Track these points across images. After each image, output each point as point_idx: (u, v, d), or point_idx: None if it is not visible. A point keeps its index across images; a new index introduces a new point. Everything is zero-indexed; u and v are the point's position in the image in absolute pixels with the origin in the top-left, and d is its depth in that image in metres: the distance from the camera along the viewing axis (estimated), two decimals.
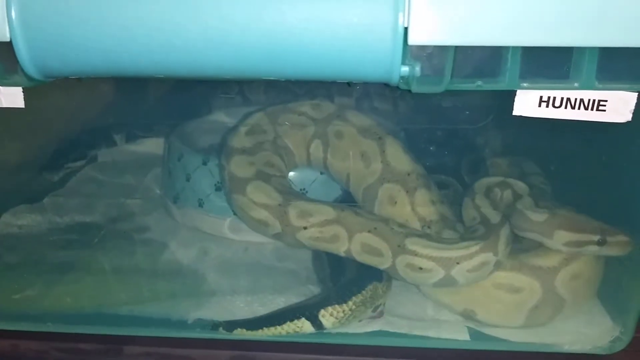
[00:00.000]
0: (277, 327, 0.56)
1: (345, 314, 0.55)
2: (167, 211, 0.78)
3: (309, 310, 0.55)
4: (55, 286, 0.63)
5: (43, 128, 0.75)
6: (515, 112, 0.45)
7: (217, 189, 0.72)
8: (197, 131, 0.81)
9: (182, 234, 0.73)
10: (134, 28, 0.40)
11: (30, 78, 0.44)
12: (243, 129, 0.67)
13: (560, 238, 0.56)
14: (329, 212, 0.59)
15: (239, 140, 0.66)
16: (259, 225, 0.62)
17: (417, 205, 0.60)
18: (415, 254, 0.55)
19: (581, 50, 0.42)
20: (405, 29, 0.39)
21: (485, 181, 0.64)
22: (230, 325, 0.57)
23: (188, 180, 0.74)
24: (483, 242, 0.55)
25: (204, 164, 0.72)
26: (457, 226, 0.61)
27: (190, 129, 0.82)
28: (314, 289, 0.63)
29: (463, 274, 0.55)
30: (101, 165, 0.87)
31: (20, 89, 0.46)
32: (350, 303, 0.55)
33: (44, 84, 0.45)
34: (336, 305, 0.55)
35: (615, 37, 0.40)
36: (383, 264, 0.57)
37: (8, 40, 0.40)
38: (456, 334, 0.57)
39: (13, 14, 0.40)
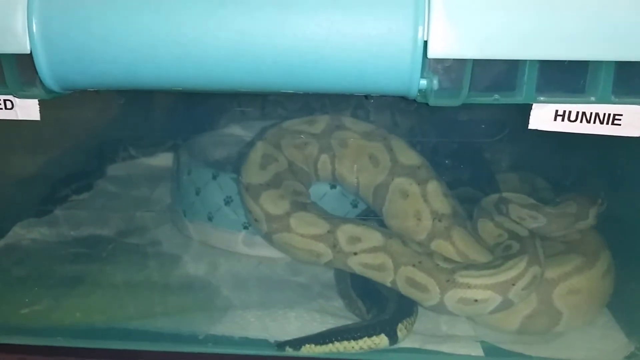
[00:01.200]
0: (352, 341, 0.55)
1: (412, 326, 0.56)
2: (177, 225, 0.77)
3: (388, 325, 0.55)
4: (64, 300, 0.63)
5: (55, 140, 0.75)
6: (531, 126, 0.45)
7: (227, 203, 0.71)
8: (207, 145, 0.82)
9: (192, 248, 0.73)
10: (153, 40, 0.40)
11: (48, 90, 0.44)
12: (255, 164, 0.65)
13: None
14: (377, 238, 0.59)
15: (257, 176, 0.64)
16: (311, 257, 0.61)
17: (430, 197, 0.60)
18: (469, 287, 0.54)
19: (597, 64, 0.42)
20: (425, 42, 0.39)
21: (489, 199, 0.64)
22: (298, 342, 0.56)
23: (198, 194, 0.73)
24: (527, 256, 0.54)
25: (214, 178, 0.72)
26: (467, 223, 0.61)
27: (200, 143, 0.82)
28: (325, 304, 0.62)
29: (518, 294, 0.54)
30: (112, 178, 0.87)
31: (36, 101, 0.46)
32: (415, 315, 0.57)
33: (61, 96, 0.45)
34: (408, 318, 0.56)
35: (632, 52, 0.40)
36: (429, 300, 0.56)
37: (28, 52, 0.41)
38: (469, 350, 0.56)
39: (34, 26, 0.40)
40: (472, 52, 0.40)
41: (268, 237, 0.63)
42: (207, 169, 0.74)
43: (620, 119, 0.45)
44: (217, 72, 0.41)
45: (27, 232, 0.75)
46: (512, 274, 0.54)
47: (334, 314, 0.60)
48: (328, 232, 0.59)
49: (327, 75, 0.40)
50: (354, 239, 0.59)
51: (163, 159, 0.88)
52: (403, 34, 0.38)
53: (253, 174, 0.64)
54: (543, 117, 0.45)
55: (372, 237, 0.59)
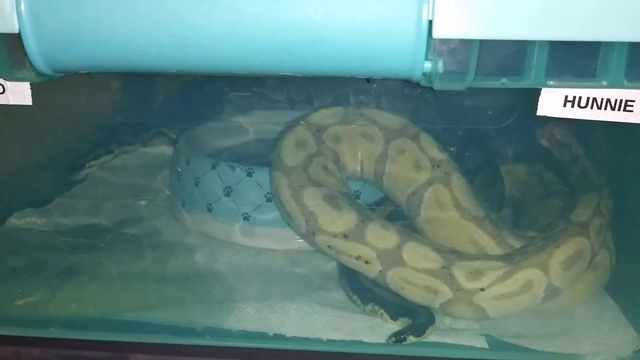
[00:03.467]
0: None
1: None
2: (175, 216, 0.76)
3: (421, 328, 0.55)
4: (59, 291, 0.62)
5: (51, 128, 0.73)
6: (540, 112, 0.44)
7: (226, 194, 0.70)
8: (208, 134, 0.80)
9: (191, 239, 0.72)
10: (146, 20, 0.38)
11: (39, 73, 0.42)
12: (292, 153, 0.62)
13: None
14: (498, 266, 0.55)
15: (293, 158, 0.62)
16: (427, 294, 0.56)
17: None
18: None
19: (610, 46, 0.40)
20: (430, 22, 0.37)
21: None
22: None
23: (197, 184, 0.72)
24: None
25: (213, 167, 0.71)
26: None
27: (199, 132, 0.81)
28: (326, 295, 0.61)
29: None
30: (110, 167, 0.86)
31: (28, 85, 0.45)
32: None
33: (53, 79, 0.44)
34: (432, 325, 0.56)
35: None
36: None
37: (17, 32, 0.39)
38: (474, 342, 0.55)
39: (22, 5, 0.38)
40: (479, 32, 0.38)
41: (382, 280, 0.58)
42: (206, 159, 0.73)
43: (632, 105, 0.43)
44: (212, 53, 0.39)
45: (23, 223, 0.74)
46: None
47: (335, 305, 0.59)
48: (442, 267, 0.56)
49: (327, 56, 0.38)
50: (476, 273, 0.55)
51: (161, 147, 0.87)
52: (407, 13, 0.37)
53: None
54: (552, 102, 0.44)
55: (493, 266, 0.55)
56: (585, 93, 0.43)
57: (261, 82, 0.77)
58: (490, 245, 0.59)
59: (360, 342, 0.55)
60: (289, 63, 0.40)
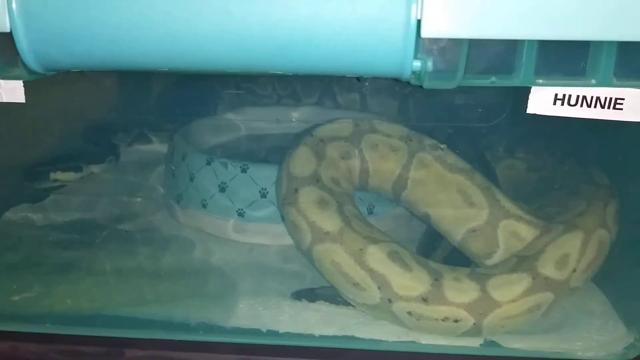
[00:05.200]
0: None
1: None
2: (170, 212, 0.77)
3: None
4: (55, 287, 0.62)
5: (46, 125, 0.74)
6: (530, 110, 0.44)
7: (221, 189, 0.71)
8: (202, 130, 0.81)
9: (185, 234, 0.72)
10: (138, 18, 0.39)
11: (31, 71, 0.43)
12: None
13: None
14: (523, 282, 0.54)
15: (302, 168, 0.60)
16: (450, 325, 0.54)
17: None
18: None
19: (599, 45, 0.40)
20: (418, 21, 0.37)
21: None
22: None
23: (192, 180, 0.72)
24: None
25: (208, 163, 0.71)
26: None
27: (195, 128, 0.81)
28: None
29: None
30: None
31: (20, 82, 0.45)
32: None
33: (45, 77, 0.44)
34: None
35: (635, 32, 0.38)
36: None
37: (8, 30, 0.39)
38: (467, 342, 0.55)
39: (14, 3, 0.39)
40: (468, 32, 0.38)
41: (418, 320, 0.54)
42: (201, 155, 0.73)
43: (622, 103, 0.44)
44: (202, 51, 0.39)
45: (19, 219, 0.74)
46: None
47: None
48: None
49: (316, 55, 0.39)
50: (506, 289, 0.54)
51: (156, 144, 0.87)
52: (395, 12, 0.37)
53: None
54: (542, 100, 0.44)
55: (520, 280, 0.54)
56: (575, 91, 0.43)
57: (252, 78, 0.78)
58: (478, 197, 0.59)
59: (353, 338, 0.56)
60: (279, 62, 0.40)
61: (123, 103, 0.78)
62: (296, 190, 0.58)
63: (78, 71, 0.44)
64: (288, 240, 0.68)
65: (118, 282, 0.64)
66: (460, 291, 0.52)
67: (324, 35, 0.38)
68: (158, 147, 0.87)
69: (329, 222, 0.56)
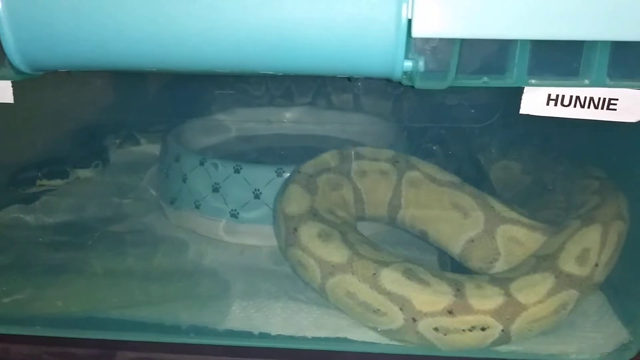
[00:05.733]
0: None
1: None
2: (163, 213, 0.76)
3: None
4: (47, 289, 0.62)
5: (35, 125, 0.73)
6: (523, 111, 0.44)
7: (215, 190, 0.70)
8: (195, 131, 0.80)
9: (178, 236, 0.72)
10: (126, 18, 0.38)
11: (18, 71, 0.42)
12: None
13: None
14: (547, 282, 0.52)
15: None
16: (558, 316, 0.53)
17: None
18: None
19: (592, 45, 0.40)
20: (409, 21, 0.37)
21: None
22: None
23: (185, 181, 0.72)
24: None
25: (201, 164, 0.71)
26: None
27: (188, 129, 0.80)
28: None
29: None
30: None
31: (9, 83, 0.45)
32: None
33: (33, 77, 0.44)
34: None
35: (629, 32, 0.38)
36: None
37: None
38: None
39: (0, 3, 0.38)
40: (459, 32, 0.38)
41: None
42: (194, 155, 0.73)
43: (616, 104, 0.43)
44: (190, 51, 0.39)
45: (10, 220, 0.74)
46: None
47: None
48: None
49: (306, 55, 0.38)
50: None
51: (148, 146, 0.87)
52: (385, 12, 0.37)
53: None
54: (535, 101, 0.44)
55: (541, 281, 0.53)
56: (568, 91, 0.43)
57: (244, 79, 0.78)
58: (472, 207, 0.59)
59: (345, 340, 0.55)
60: (268, 62, 0.39)
61: (113, 104, 0.78)
62: (295, 230, 0.57)
63: (66, 71, 0.44)
64: None
65: (110, 284, 0.63)
66: (485, 298, 0.51)
67: (314, 35, 0.37)
68: (146, 148, 0.86)
69: (336, 253, 0.54)
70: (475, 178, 0.65)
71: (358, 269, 0.53)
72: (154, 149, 0.84)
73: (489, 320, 0.51)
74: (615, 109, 0.43)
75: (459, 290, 0.51)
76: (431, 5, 0.37)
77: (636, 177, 0.56)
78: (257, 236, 0.69)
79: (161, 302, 0.60)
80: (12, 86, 0.45)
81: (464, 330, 0.51)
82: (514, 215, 0.59)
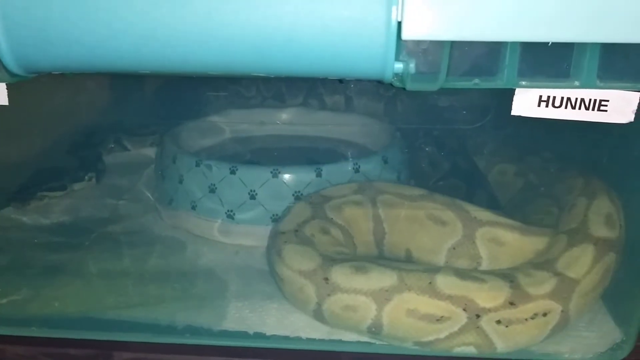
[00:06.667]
0: None
1: None
2: (160, 214, 0.77)
3: None
4: (43, 290, 0.62)
5: (30, 127, 0.73)
6: (514, 112, 0.44)
7: (211, 191, 0.70)
8: (191, 133, 0.81)
9: (174, 236, 0.72)
10: (118, 20, 0.38)
11: (11, 73, 0.42)
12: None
13: None
14: (588, 252, 0.54)
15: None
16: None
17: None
18: None
19: (582, 46, 0.40)
20: (399, 23, 0.37)
21: None
22: None
23: (181, 182, 0.72)
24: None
25: (197, 166, 0.71)
26: None
27: (184, 131, 0.81)
28: None
29: None
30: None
31: (3, 85, 0.45)
32: None
33: (26, 79, 0.44)
34: None
35: (618, 33, 0.38)
36: None
37: None
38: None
39: None
40: (450, 34, 0.38)
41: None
42: (190, 157, 0.73)
43: (606, 105, 0.44)
44: (183, 54, 0.39)
45: (7, 221, 0.74)
46: None
47: None
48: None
49: (298, 57, 0.38)
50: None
51: (148, 150, 0.87)
52: (376, 15, 0.37)
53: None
54: (526, 102, 0.44)
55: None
56: (559, 93, 0.43)
57: (237, 80, 0.78)
58: (447, 215, 0.60)
59: (340, 341, 0.55)
60: (260, 64, 0.40)
61: (108, 107, 0.78)
62: (327, 279, 0.54)
63: (59, 74, 0.44)
64: None
65: (106, 285, 0.64)
66: (539, 283, 0.52)
67: (304, 38, 0.38)
68: (134, 153, 0.86)
69: (383, 278, 0.52)
70: (472, 180, 0.65)
71: (412, 283, 0.52)
72: (140, 153, 0.84)
73: (548, 303, 0.51)
74: (605, 110, 0.44)
75: (512, 282, 0.52)
76: (421, 8, 0.37)
77: (627, 177, 0.56)
78: (252, 237, 0.69)
79: (157, 302, 0.60)
80: (7, 89, 0.46)
81: (526, 319, 0.51)
82: (491, 217, 0.59)
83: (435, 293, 0.51)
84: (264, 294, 0.61)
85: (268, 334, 0.56)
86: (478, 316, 0.51)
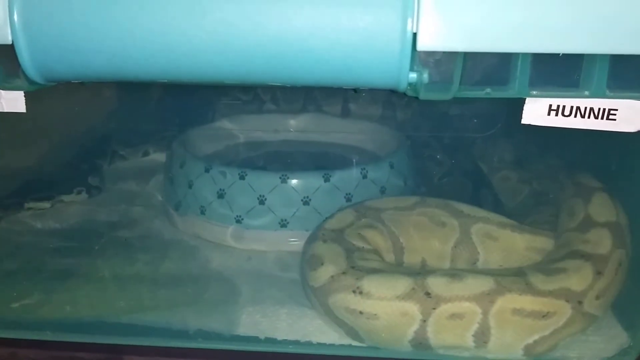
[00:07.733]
0: None
1: None
2: (169, 219, 0.77)
3: None
4: (55, 294, 0.62)
5: (45, 133, 0.74)
6: (524, 121, 0.45)
7: (220, 196, 0.71)
8: (200, 138, 0.81)
9: (184, 241, 0.72)
10: (138, 31, 0.39)
11: (32, 82, 0.43)
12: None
13: None
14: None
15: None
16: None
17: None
18: None
19: (592, 57, 0.41)
20: (414, 34, 0.38)
21: None
22: None
23: (190, 187, 0.73)
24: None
25: (207, 171, 0.72)
26: None
27: (193, 136, 0.81)
28: None
29: None
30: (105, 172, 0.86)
31: (22, 93, 0.46)
32: None
33: (45, 88, 0.44)
34: None
35: (627, 44, 0.39)
36: None
37: (10, 42, 0.40)
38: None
39: (15, 16, 0.39)
40: (463, 45, 0.39)
41: None
42: (200, 162, 0.74)
43: (615, 114, 0.44)
44: (201, 63, 0.40)
45: (17, 226, 0.74)
46: None
47: None
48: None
49: (314, 67, 0.39)
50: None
51: (156, 155, 0.88)
52: (391, 26, 0.38)
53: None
54: (536, 111, 0.44)
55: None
56: (569, 102, 0.44)
57: (250, 87, 0.78)
58: (444, 216, 0.62)
59: (350, 346, 0.56)
60: (276, 74, 0.40)
61: (119, 112, 0.78)
62: (361, 292, 0.53)
63: (78, 82, 0.45)
64: (286, 247, 0.69)
65: (116, 289, 0.64)
66: (598, 245, 0.55)
67: (321, 49, 0.38)
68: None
69: (482, 282, 0.52)
70: (479, 187, 0.66)
71: (511, 285, 0.51)
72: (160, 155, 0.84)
73: (616, 252, 0.55)
74: (614, 119, 0.44)
75: (583, 257, 0.54)
76: (436, 20, 0.38)
77: (634, 185, 0.57)
78: (262, 242, 0.70)
79: (169, 307, 0.61)
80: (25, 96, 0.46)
81: (615, 275, 0.55)
82: (482, 214, 0.62)
83: (536, 291, 0.51)
84: (275, 299, 0.61)
85: (279, 338, 0.56)
86: (580, 302, 0.52)
